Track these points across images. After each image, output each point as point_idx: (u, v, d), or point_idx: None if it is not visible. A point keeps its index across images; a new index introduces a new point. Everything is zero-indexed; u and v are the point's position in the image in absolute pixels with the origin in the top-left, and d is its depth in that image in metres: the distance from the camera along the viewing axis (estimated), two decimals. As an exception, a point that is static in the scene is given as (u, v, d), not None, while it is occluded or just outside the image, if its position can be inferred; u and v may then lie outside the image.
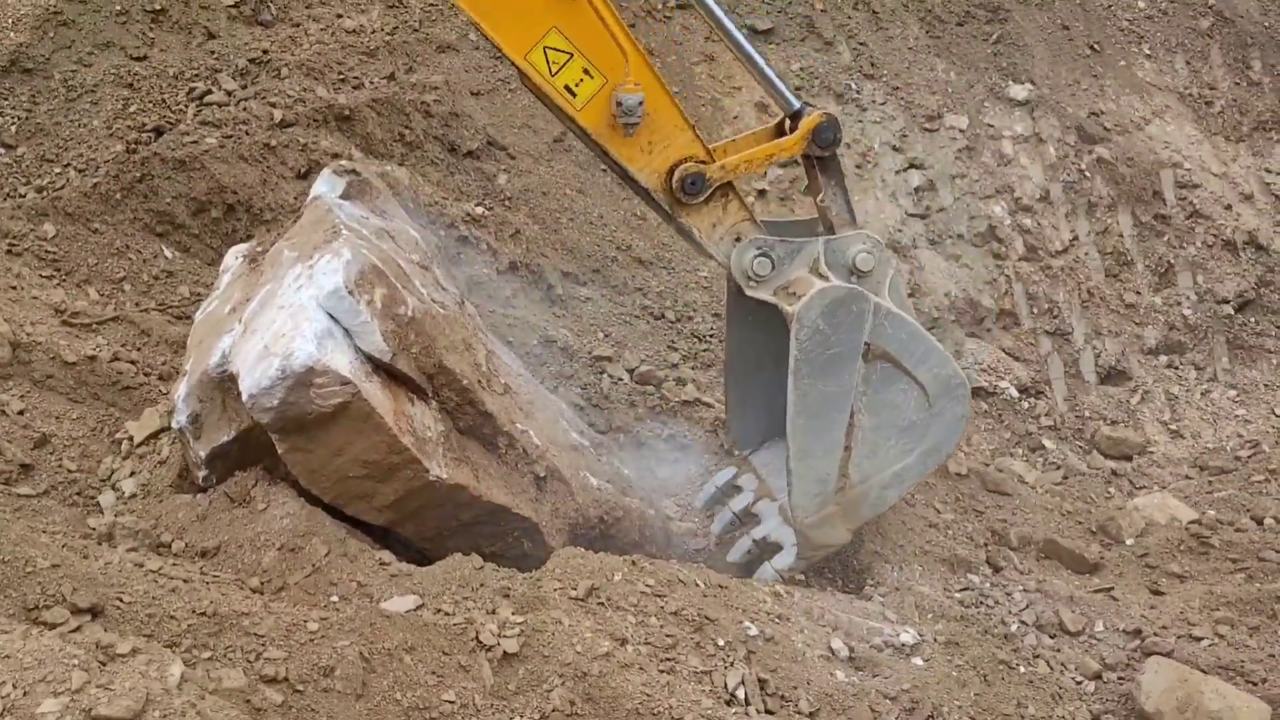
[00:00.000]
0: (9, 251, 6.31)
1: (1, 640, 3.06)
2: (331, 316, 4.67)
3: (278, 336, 4.60)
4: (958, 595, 5.82)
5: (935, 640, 5.25)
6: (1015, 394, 8.26)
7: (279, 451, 4.70)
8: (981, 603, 5.77)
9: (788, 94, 5.53)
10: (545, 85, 5.04)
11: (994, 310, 8.71)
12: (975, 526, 6.60)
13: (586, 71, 5.03)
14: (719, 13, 5.40)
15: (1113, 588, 6.14)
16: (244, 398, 4.56)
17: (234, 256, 5.86)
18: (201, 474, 5.02)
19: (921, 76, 9.37)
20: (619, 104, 5.03)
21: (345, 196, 5.67)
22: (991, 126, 9.31)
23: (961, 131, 9.22)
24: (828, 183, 5.54)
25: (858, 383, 5.36)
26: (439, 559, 4.92)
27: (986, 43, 9.68)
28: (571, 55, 5.00)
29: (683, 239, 5.80)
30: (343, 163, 6.05)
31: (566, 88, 5.04)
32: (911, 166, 9.04)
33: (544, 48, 4.98)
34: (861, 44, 9.40)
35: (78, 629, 3.53)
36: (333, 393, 4.53)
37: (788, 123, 5.54)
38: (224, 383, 4.87)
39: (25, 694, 2.94)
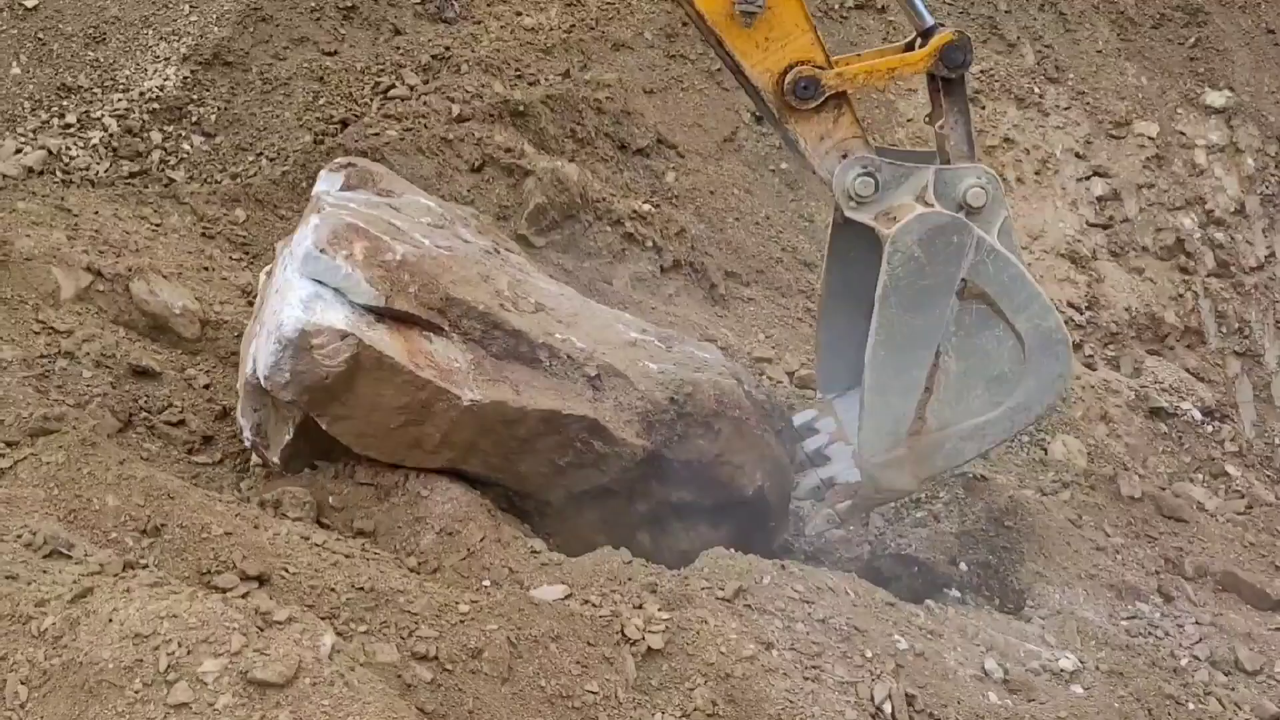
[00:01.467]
0: (204, 234, 6.68)
1: (170, 600, 3.24)
2: (317, 281, 4.66)
3: (273, 315, 4.68)
4: (1124, 623, 5.55)
5: (1097, 668, 5.02)
6: (1198, 416, 7.84)
7: (325, 428, 4.73)
8: (1150, 633, 5.50)
9: (922, 8, 5.15)
10: None
11: (1178, 328, 8.29)
12: (1147, 553, 6.30)
13: None
14: None
15: (1297, 627, 5.77)
16: (264, 382, 4.63)
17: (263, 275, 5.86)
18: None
19: (1110, 81, 8.99)
20: None
21: (347, 188, 5.63)
22: (1184, 135, 8.86)
23: (1151, 139, 8.80)
24: (951, 108, 5.11)
25: (949, 321, 4.96)
26: (530, 496, 4.93)
27: (1183, 46, 9.22)
28: None
29: (787, 150, 5.46)
30: (339, 160, 6.00)
31: None
32: (1095, 174, 8.69)
33: None
34: (1047, 46, 9.08)
35: (245, 595, 3.70)
36: (336, 349, 4.54)
37: (918, 41, 5.14)
38: (263, 386, 4.85)
39: (189, 653, 3.10)
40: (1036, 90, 8.92)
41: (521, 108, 7.82)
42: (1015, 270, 4.99)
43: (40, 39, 7.47)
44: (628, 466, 5.07)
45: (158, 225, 6.43)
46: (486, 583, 4.60)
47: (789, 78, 4.95)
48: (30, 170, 6.79)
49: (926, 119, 5.39)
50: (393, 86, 7.80)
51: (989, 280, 4.95)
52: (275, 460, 4.95)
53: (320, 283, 4.66)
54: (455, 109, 7.62)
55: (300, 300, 4.59)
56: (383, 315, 4.74)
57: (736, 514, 5.42)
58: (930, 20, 5.13)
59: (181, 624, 3.15)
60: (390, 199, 5.52)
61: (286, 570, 4.00)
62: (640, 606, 4.49)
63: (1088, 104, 8.95)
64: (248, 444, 5.04)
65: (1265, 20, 9.41)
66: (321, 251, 4.68)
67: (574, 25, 8.56)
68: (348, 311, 4.64)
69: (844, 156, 5.07)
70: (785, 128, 5.09)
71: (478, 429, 4.83)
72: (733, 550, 5.00)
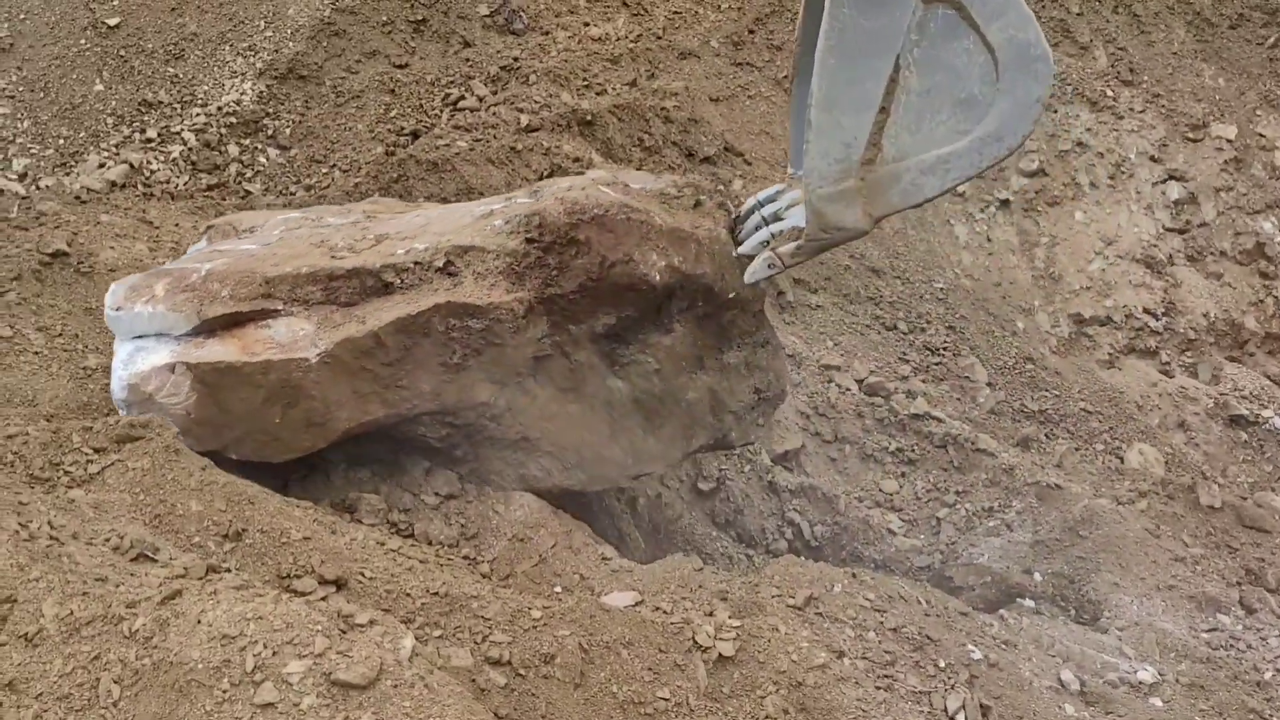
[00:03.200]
0: (279, 245, 6.81)
1: (256, 603, 3.31)
2: (136, 337, 4.60)
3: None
4: (1204, 635, 5.44)
5: (1177, 681, 4.93)
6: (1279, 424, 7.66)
7: (234, 459, 4.58)
8: (1232, 645, 5.38)
9: None
10: None
11: (1258, 334, 8.10)
12: (1228, 564, 6.16)
13: None
14: None
15: (1385, 641, 5.61)
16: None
17: None
18: None
19: (1186, 83, 8.83)
20: None
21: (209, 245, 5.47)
22: (1263, 137, 8.67)
23: (1229, 142, 8.62)
24: None
25: (910, 27, 4.28)
26: (483, 425, 4.79)
27: (1262, 47, 9.02)
28: None
29: None
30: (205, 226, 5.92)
31: None
32: (1171, 178, 8.53)
33: None
34: (1120, 49, 8.94)
35: (324, 599, 3.77)
36: (175, 383, 4.45)
37: None
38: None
39: (274, 654, 3.17)
40: (1110, 93, 8.78)
41: (589, 117, 7.87)
42: None
43: (122, 56, 7.69)
44: (518, 326, 4.73)
45: (236, 236, 6.57)
46: (558, 589, 4.64)
47: None
48: (113, 184, 6.99)
49: None
50: (462, 98, 7.90)
51: None
52: None
53: (140, 337, 4.59)
54: (524, 119, 7.70)
55: (120, 363, 4.54)
56: (209, 330, 4.59)
57: (671, 306, 5.08)
58: None
59: (267, 626, 3.22)
60: (249, 235, 5.36)
61: (363, 575, 4.06)
62: (711, 614, 4.50)
63: (1163, 106, 8.79)
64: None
65: (1348, 18, 9.20)
66: (118, 309, 4.60)
67: (641, 35, 8.60)
68: (173, 346, 4.54)
69: None
70: None
71: (347, 377, 4.57)
72: (802, 559, 4.99)
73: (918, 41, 4.31)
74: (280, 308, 4.63)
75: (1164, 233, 8.36)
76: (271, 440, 4.56)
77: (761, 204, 5.14)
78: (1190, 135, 8.66)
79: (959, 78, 4.34)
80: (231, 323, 4.58)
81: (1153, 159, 8.57)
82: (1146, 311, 8.04)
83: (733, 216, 5.22)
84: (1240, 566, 6.08)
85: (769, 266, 4.74)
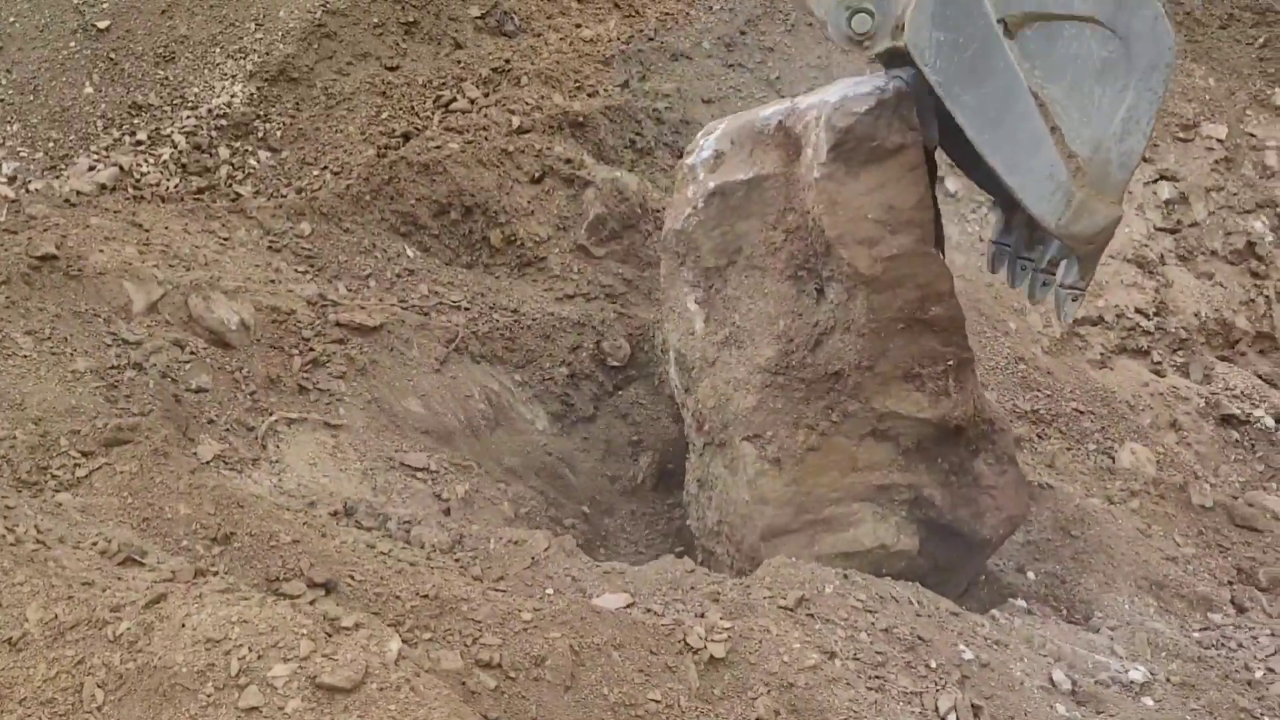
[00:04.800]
0: (270, 247, 6.79)
1: (241, 606, 3.31)
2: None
3: (867, 80, 4.91)
4: (1196, 635, 5.44)
5: (1168, 681, 4.93)
6: (1271, 424, 7.66)
7: (813, 177, 4.89)
8: (1223, 644, 5.38)
9: None
10: None
11: (1250, 333, 8.11)
12: (1219, 563, 6.17)
13: None
14: None
15: (1376, 640, 5.61)
16: (819, 110, 4.87)
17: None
18: (690, 210, 5.28)
19: (1176, 82, 8.83)
20: None
21: None
22: (1254, 136, 8.68)
23: (1220, 141, 8.64)
24: None
25: (1019, 62, 4.61)
26: (865, 362, 5.05)
27: (1252, 47, 9.05)
28: None
29: None
30: None
31: None
32: (1162, 178, 8.53)
33: None
34: (1111, 49, 8.95)
35: (313, 602, 3.76)
36: (901, 130, 4.79)
37: None
38: (764, 134, 5.13)
39: (259, 657, 3.16)
40: (1101, 93, 8.80)
41: (581, 119, 7.87)
42: None
43: (112, 59, 7.67)
44: None
45: (225, 239, 6.56)
46: (550, 591, 4.63)
47: None
48: (103, 187, 6.97)
49: None
50: (454, 100, 7.89)
51: (1021, 1, 4.61)
52: (708, 186, 5.26)
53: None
54: (515, 121, 7.69)
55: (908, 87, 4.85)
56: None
57: None
58: None
59: (252, 629, 3.21)
60: None
61: (353, 578, 4.05)
62: (703, 615, 4.50)
63: (1154, 106, 8.80)
64: (687, 163, 5.42)
65: (1338, 18, 9.22)
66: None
67: (632, 36, 8.60)
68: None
69: None
70: None
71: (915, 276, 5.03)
72: (794, 560, 4.99)
73: (1031, 67, 4.65)
74: None
75: (1155, 232, 8.37)
76: (844, 217, 4.89)
77: (1000, 244, 5.41)
78: (1181, 135, 8.68)
79: (1084, 59, 4.64)
80: None
81: (1144, 159, 8.56)
82: (1138, 311, 8.05)
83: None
84: (1232, 566, 6.08)
85: (1074, 300, 5.11)
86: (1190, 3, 9.16)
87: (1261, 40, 9.06)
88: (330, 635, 3.31)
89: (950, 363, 5.14)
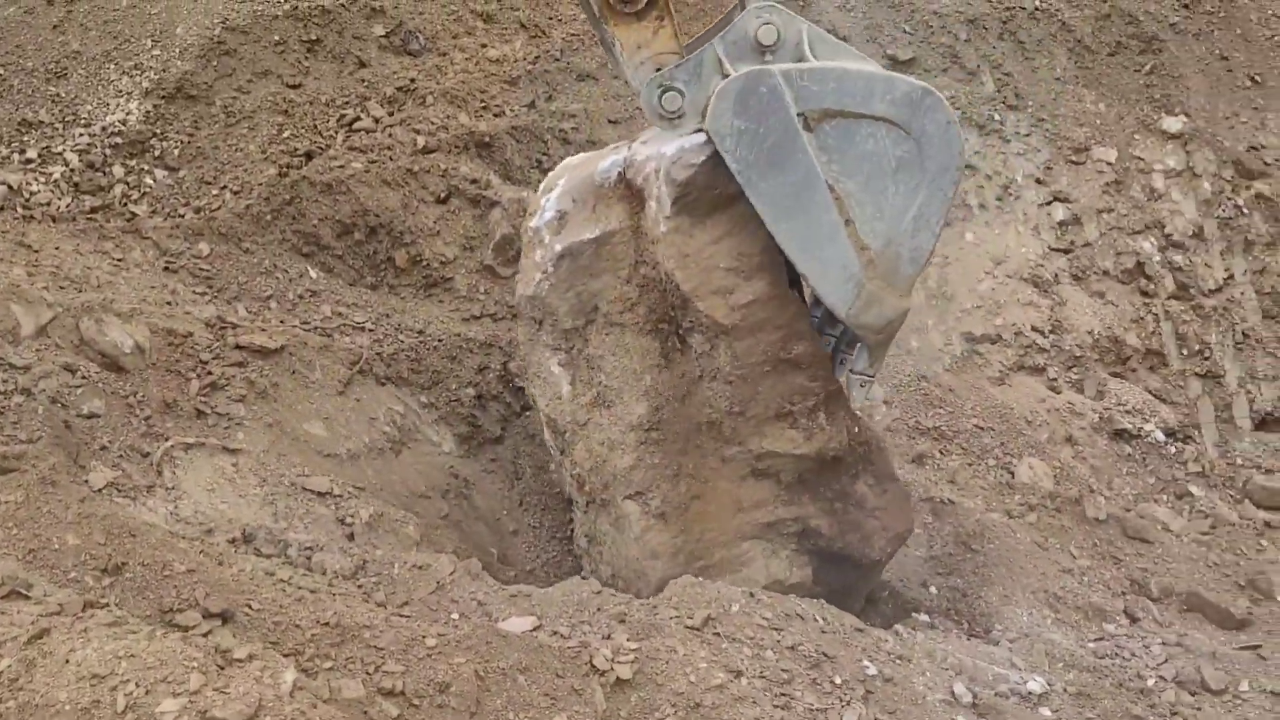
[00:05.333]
0: (167, 268, 6.64)
1: (129, 640, 3.21)
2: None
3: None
4: (1091, 645, 5.58)
5: (1065, 690, 5.04)
6: (1161, 437, 7.91)
7: (660, 231, 4.90)
8: (1117, 654, 5.52)
9: None
10: None
11: (1140, 350, 8.37)
12: (1113, 574, 6.33)
13: None
14: None
15: (1261, 645, 5.80)
16: (656, 164, 4.85)
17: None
18: (540, 275, 5.21)
19: (1069, 108, 9.11)
20: None
21: None
22: (1142, 160, 8.99)
23: (1110, 164, 8.92)
24: None
25: (816, 155, 4.77)
26: (737, 408, 5.05)
27: (1139, 73, 9.37)
28: None
29: (606, 54, 5.32)
30: None
31: None
32: (1056, 200, 8.78)
33: None
34: (1006, 74, 9.20)
35: (208, 633, 3.66)
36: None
37: None
38: (604, 188, 5.10)
39: (147, 693, 3.07)
40: (997, 117, 9.03)
41: (487, 139, 7.84)
42: (835, 71, 4.77)
43: (0, 75, 7.44)
44: None
45: (119, 260, 6.39)
46: (455, 615, 4.58)
47: None
48: (-9, 206, 6.74)
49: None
50: (358, 119, 7.80)
51: (821, 97, 4.74)
52: (554, 249, 5.16)
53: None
54: (420, 140, 7.63)
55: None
56: None
57: None
58: None
59: (140, 664, 3.11)
60: None
61: (250, 607, 3.96)
62: (609, 637, 4.48)
63: (1047, 130, 9.06)
64: (531, 226, 5.32)
65: (1218, 47, 9.58)
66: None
67: (539, 56, 8.60)
68: None
69: (659, 70, 4.88)
70: (604, 30, 4.94)
71: (766, 323, 5.07)
72: (701, 579, 5.01)
73: (828, 160, 4.80)
74: None
75: (1050, 253, 8.60)
76: (696, 269, 5.01)
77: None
78: (1073, 158, 8.94)
79: (879, 156, 4.83)
80: None
81: (1038, 181, 8.83)
82: (1034, 329, 8.26)
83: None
84: (1125, 577, 6.25)
85: (862, 386, 5.22)
86: (1081, 30, 9.46)
87: (1148, 67, 9.39)
88: (222, 667, 3.22)
89: (820, 396, 5.20)
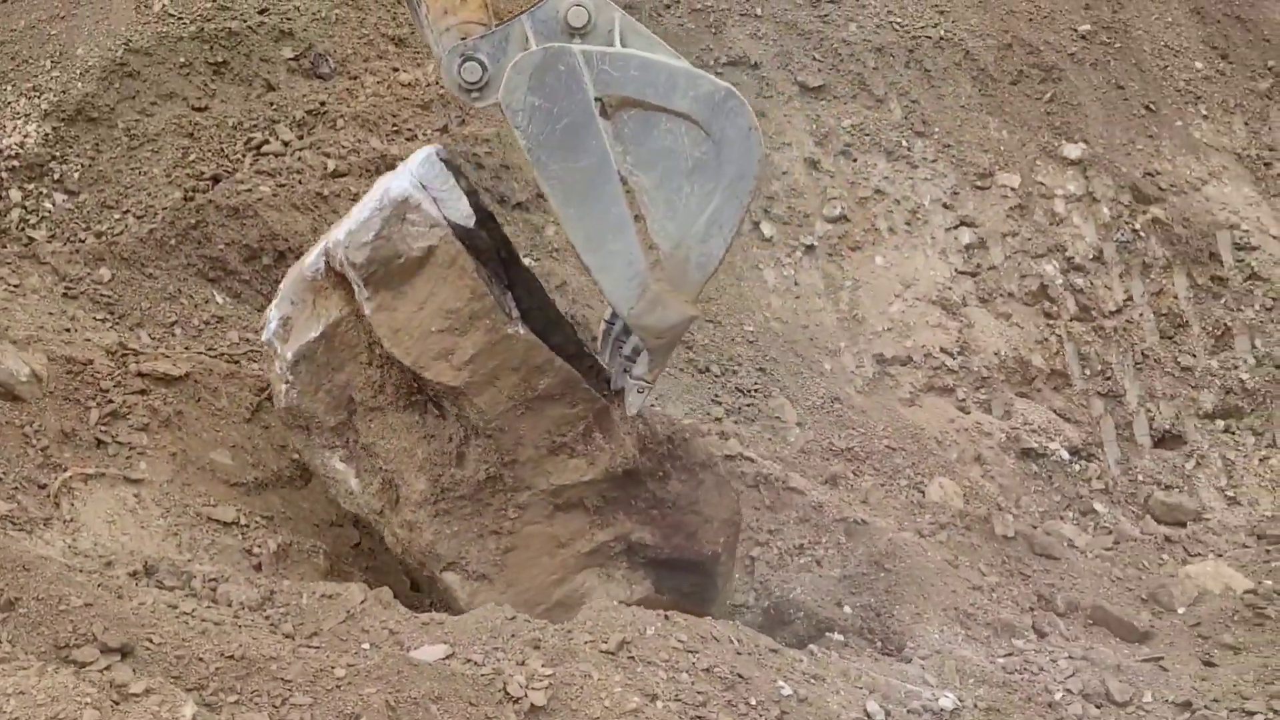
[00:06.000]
0: (66, 294, 6.46)
1: (18, 677, 3.09)
2: (421, 185, 4.81)
3: (376, 193, 4.89)
4: (1001, 660, 5.68)
5: (975, 706, 5.12)
6: (1066, 456, 8.11)
7: (366, 314, 4.84)
8: (1025, 669, 5.63)
9: None
10: None
11: (1045, 370, 8.58)
12: (1021, 590, 6.46)
13: None
14: None
15: (1163, 658, 5.96)
16: (338, 250, 4.81)
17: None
18: (284, 386, 5.10)
19: (973, 134, 9.34)
20: None
21: None
22: (1044, 185, 9.24)
23: (1013, 190, 9.15)
24: None
25: (611, 144, 4.62)
26: (508, 456, 5.01)
27: (1040, 101, 9.64)
28: None
29: (410, 14, 5.22)
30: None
31: None
32: (962, 224, 8.98)
33: None
34: (913, 101, 9.40)
35: (106, 668, 3.55)
36: (421, 233, 4.73)
37: None
38: (316, 281, 5.04)
39: (38, 731, 2.97)
40: (905, 144, 9.22)
41: (398, 162, 7.76)
42: (638, 60, 4.60)
43: (-110, 95, 7.20)
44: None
45: (16, 286, 6.21)
46: (365, 645, 4.50)
47: None
48: (-122, 231, 6.51)
49: None
50: (266, 142, 7.68)
51: (621, 84, 4.57)
52: (287, 358, 5.04)
53: (423, 186, 4.81)
54: (331, 164, 7.54)
55: (410, 181, 4.79)
56: (461, 237, 4.87)
57: None
58: None
59: (29, 700, 3.00)
60: None
61: (150, 641, 3.85)
62: (523, 663, 4.44)
63: (953, 156, 9.26)
64: (264, 341, 5.16)
65: (1114, 77, 9.90)
66: (441, 160, 4.93)
67: (451, 81, 8.57)
68: (438, 212, 4.80)
69: (463, 40, 4.69)
70: None
71: (506, 364, 4.90)
72: (616, 604, 4.99)
73: (623, 151, 4.64)
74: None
75: (957, 275, 8.77)
76: (412, 340, 4.92)
77: (609, 323, 5.39)
78: (978, 184, 9.16)
79: (677, 154, 4.66)
80: (479, 252, 5.10)
81: (945, 206, 9.01)
82: (943, 351, 8.41)
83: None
84: (1033, 592, 6.38)
85: (640, 392, 5.07)
86: (984, 59, 9.70)
87: (1049, 95, 9.66)
88: (117, 703, 3.13)
89: (588, 418, 5.13)
